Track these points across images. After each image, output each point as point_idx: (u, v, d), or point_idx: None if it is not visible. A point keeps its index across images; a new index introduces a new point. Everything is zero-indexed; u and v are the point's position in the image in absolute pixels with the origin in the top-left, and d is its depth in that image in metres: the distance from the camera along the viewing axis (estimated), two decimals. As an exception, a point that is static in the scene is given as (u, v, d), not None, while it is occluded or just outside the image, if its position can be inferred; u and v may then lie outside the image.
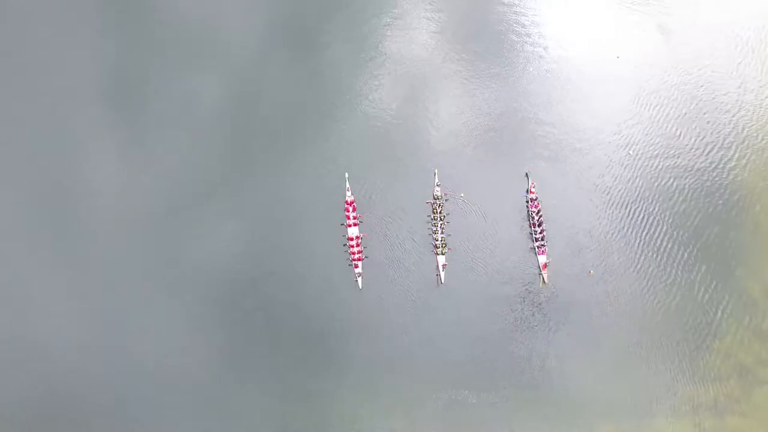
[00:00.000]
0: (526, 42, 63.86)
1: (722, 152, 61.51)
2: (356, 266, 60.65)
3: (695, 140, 61.88)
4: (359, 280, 60.53)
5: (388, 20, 64.25)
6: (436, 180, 61.41)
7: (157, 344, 59.79)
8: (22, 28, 64.13)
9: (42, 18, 64.36)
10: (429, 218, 61.02)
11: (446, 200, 61.10)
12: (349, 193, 61.53)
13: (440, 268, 60.37)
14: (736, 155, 61.33)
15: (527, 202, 60.92)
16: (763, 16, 63.47)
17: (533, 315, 59.76)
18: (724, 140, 61.65)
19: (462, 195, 61.29)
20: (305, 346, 59.86)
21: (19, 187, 61.99)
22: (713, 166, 61.38)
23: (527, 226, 60.79)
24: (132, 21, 64.34)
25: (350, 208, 61.31)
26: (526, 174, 61.28)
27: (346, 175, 61.57)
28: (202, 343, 59.94)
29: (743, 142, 61.57)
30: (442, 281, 60.33)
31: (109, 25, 64.25)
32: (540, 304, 60.00)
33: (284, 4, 64.81)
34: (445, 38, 64.00)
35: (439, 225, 60.67)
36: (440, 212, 60.88)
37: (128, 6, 64.66)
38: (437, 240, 60.49)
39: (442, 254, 60.38)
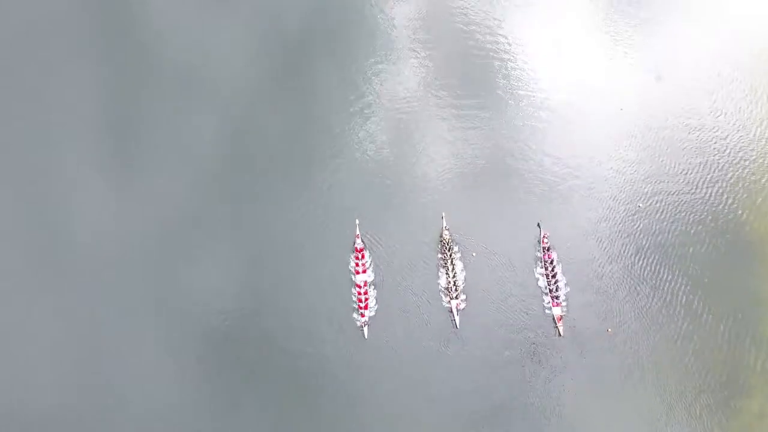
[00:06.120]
0: (524, 93, 66.00)
1: (734, 197, 61.45)
2: (362, 314, 57.76)
3: (709, 186, 61.94)
4: (365, 329, 57.39)
5: (383, 66, 67.01)
6: (444, 224, 60.52)
7: (144, 392, 55.54)
8: (15, 65, 66.39)
9: (32, 51, 66.82)
10: (439, 262, 59.46)
11: (456, 243, 59.85)
12: (359, 240, 60.17)
13: (454, 311, 57.67)
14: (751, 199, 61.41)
15: (540, 252, 59.71)
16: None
17: (551, 369, 56.09)
18: (735, 186, 61.78)
19: (474, 254, 59.92)
20: (304, 399, 55.50)
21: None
22: (728, 212, 60.82)
23: (541, 276, 59.03)
24: (124, 58, 66.72)
25: (359, 255, 59.68)
26: (538, 224, 60.65)
27: (357, 221, 60.66)
28: (191, 392, 55.76)
29: (754, 184, 62.03)
30: (457, 326, 57.37)
31: (100, 62, 66.53)
32: (558, 357, 56.52)
33: (281, 46, 67.85)
34: (444, 88, 66.24)
35: (449, 269, 58.92)
36: (450, 256, 59.38)
37: (119, 44, 67.40)
38: (449, 284, 58.38)
39: (455, 298, 57.96)
